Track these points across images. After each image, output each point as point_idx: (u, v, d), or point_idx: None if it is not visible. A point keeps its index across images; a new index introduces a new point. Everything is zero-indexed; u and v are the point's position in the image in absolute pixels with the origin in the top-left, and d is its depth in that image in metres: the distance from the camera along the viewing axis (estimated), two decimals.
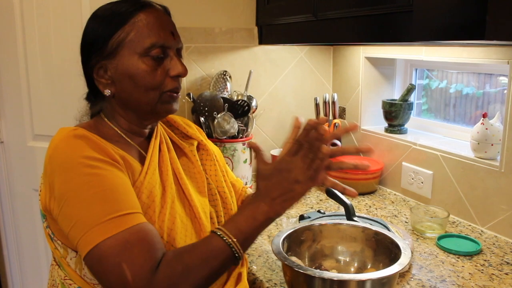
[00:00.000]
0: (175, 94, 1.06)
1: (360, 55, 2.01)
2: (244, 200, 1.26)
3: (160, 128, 1.16)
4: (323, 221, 1.18)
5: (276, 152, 2.02)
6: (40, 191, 0.99)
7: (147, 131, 1.11)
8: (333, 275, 0.95)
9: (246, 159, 1.84)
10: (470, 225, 1.55)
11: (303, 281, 0.98)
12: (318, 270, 0.97)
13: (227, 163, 1.77)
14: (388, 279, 0.96)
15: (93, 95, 1.09)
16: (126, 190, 0.91)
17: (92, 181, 0.88)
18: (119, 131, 1.06)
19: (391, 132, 1.91)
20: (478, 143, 1.52)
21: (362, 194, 1.83)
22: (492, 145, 1.50)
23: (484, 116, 1.53)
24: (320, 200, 1.77)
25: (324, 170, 0.96)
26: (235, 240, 0.90)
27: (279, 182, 0.92)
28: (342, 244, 1.13)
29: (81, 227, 0.85)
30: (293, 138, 0.95)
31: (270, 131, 2.12)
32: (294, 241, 1.12)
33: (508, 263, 1.29)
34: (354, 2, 1.36)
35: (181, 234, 1.01)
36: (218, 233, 0.90)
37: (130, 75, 1.00)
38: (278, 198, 0.92)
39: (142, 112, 1.05)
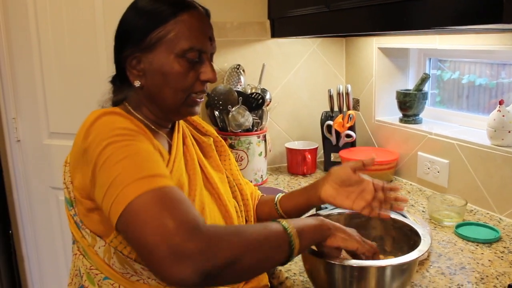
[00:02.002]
0: (200, 99, 1.07)
1: (373, 46, 2.00)
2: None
3: (182, 122, 1.18)
4: (341, 210, 1.18)
5: (290, 145, 2.02)
6: (65, 181, 1.00)
7: (169, 124, 1.13)
8: (353, 261, 0.95)
9: (261, 152, 1.84)
10: (488, 213, 1.54)
11: (323, 269, 0.98)
12: (337, 258, 0.97)
13: (242, 156, 1.79)
14: (408, 265, 0.96)
15: (120, 81, 1.09)
16: (158, 159, 0.90)
17: (128, 146, 0.88)
18: (145, 121, 1.06)
19: (406, 122, 1.90)
20: (495, 130, 1.51)
21: None
22: (509, 132, 1.49)
23: (501, 103, 1.52)
24: None
25: None
26: (295, 232, 0.88)
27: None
28: (361, 232, 1.13)
29: (114, 188, 0.82)
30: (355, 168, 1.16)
31: (284, 124, 2.13)
32: None
33: None
34: None
35: (210, 221, 1.04)
36: (279, 221, 0.90)
37: (163, 73, 1.01)
38: (341, 235, 0.98)
39: (166, 109, 1.06)
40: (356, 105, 2.15)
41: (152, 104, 1.06)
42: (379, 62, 2.00)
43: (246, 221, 1.22)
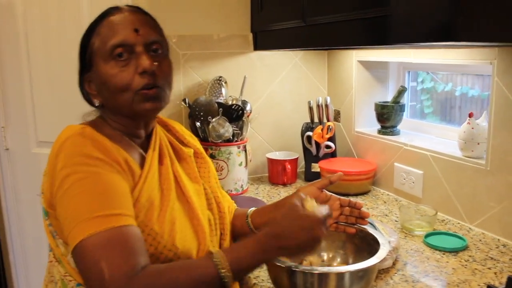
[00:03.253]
0: (149, 92, 1.02)
1: (353, 59, 2.05)
2: (252, 231, 1.25)
3: (160, 131, 1.18)
4: None
5: (271, 155, 2.06)
6: (43, 189, 1.02)
7: (143, 131, 1.12)
8: (313, 268, 1.00)
9: (241, 162, 1.88)
10: (459, 223, 1.58)
11: (285, 276, 1.02)
12: (298, 264, 1.01)
13: (222, 166, 1.83)
14: (365, 272, 1.00)
15: (91, 105, 1.12)
16: (119, 192, 0.93)
17: (87, 178, 0.90)
18: (120, 133, 1.08)
19: (383, 133, 1.94)
20: (465, 142, 1.56)
21: (355, 194, 1.87)
22: (478, 144, 1.53)
23: (470, 115, 1.56)
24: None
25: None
26: (230, 274, 0.88)
27: (297, 236, 0.92)
28: (325, 240, 1.17)
29: (70, 222, 0.87)
30: (322, 186, 1.22)
31: (267, 135, 2.17)
32: None
33: (492, 258, 1.32)
34: (340, 8, 1.40)
35: (181, 234, 1.03)
36: (215, 261, 0.88)
37: (103, 83, 1.02)
38: (288, 248, 0.92)
39: (126, 114, 1.06)
40: (337, 116, 2.20)
41: (116, 115, 1.07)
42: (359, 74, 2.05)
43: (221, 233, 1.21)
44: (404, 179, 1.80)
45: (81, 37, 1.07)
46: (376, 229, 1.32)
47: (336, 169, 1.87)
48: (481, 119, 1.57)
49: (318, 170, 1.96)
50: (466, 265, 1.29)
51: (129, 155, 1.02)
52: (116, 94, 1.01)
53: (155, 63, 1.02)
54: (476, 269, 1.26)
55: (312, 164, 2.03)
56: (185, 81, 2.00)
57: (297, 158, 2.04)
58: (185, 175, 1.17)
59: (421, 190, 1.74)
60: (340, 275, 0.99)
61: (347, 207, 1.23)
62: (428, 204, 1.66)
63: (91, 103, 1.10)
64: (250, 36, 2.08)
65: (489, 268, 1.26)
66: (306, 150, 2.06)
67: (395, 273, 1.25)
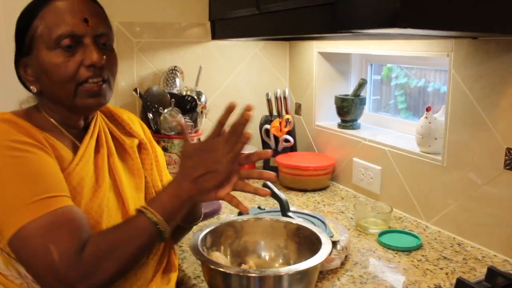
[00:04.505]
0: (94, 87, 1.00)
1: (314, 50, 1.98)
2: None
3: (100, 120, 1.13)
4: (246, 216, 1.15)
5: None
6: None
7: (82, 122, 1.08)
8: (248, 271, 0.93)
9: None
10: (415, 221, 1.53)
11: (220, 279, 0.95)
12: (233, 266, 0.94)
13: (175, 159, 1.75)
14: (304, 274, 0.93)
15: (28, 90, 1.06)
16: (53, 173, 0.91)
17: (18, 163, 0.88)
18: (54, 122, 1.04)
19: (343, 127, 1.88)
20: (422, 137, 1.51)
21: (313, 190, 1.81)
22: (435, 139, 1.48)
23: (428, 109, 1.51)
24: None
25: (237, 165, 1.01)
26: (160, 218, 0.92)
27: (202, 162, 0.95)
28: (265, 239, 1.11)
29: (5, 209, 0.85)
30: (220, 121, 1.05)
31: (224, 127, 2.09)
32: (218, 237, 1.09)
33: (445, 258, 1.28)
34: None
35: (107, 226, 0.99)
36: (143, 211, 0.92)
37: (45, 71, 0.98)
38: (200, 177, 0.94)
39: (65, 106, 1.02)
40: (298, 109, 2.13)
41: (55, 105, 1.03)
42: (319, 66, 1.98)
43: None
44: (363, 174, 1.75)
45: (19, 16, 1.01)
46: (326, 227, 1.26)
47: (294, 164, 1.81)
48: (439, 113, 1.52)
49: (276, 164, 1.90)
50: (418, 265, 1.24)
51: (58, 142, 1.00)
52: (58, 84, 0.98)
53: (104, 57, 0.99)
54: (427, 269, 1.21)
55: (271, 158, 1.96)
56: (138, 71, 1.91)
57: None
58: (125, 168, 1.13)
59: (379, 186, 1.69)
60: (277, 278, 0.92)
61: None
62: (386, 200, 1.61)
63: (27, 88, 1.05)
64: (208, 24, 2.00)
65: (441, 269, 1.21)
66: (264, 144, 1.99)
67: (343, 273, 1.19)
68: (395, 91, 1.96)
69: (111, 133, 1.14)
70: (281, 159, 1.87)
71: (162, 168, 1.23)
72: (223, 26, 1.94)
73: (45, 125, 1.01)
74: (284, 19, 1.43)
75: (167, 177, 1.24)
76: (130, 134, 1.19)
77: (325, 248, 0.99)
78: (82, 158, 1.02)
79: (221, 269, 0.93)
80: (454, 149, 1.40)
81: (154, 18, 1.91)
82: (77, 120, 1.06)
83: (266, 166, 1.98)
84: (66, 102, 1.00)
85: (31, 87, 1.03)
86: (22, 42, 0.99)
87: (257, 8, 1.54)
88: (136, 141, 1.18)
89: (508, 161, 1.25)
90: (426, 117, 1.50)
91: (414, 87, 1.87)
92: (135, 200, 1.09)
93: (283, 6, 1.40)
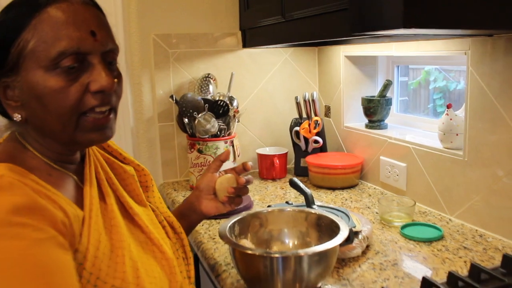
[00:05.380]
0: (103, 117, 0.82)
1: (340, 54, 2.06)
2: None
3: (95, 151, 0.96)
4: (270, 208, 1.24)
5: (260, 150, 2.08)
6: None
7: (78, 156, 0.90)
8: (272, 252, 1.02)
9: None
10: (439, 215, 1.58)
11: (247, 261, 1.05)
12: (258, 249, 1.03)
13: (209, 160, 1.86)
14: (322, 256, 1.01)
15: (5, 117, 0.85)
16: (62, 270, 0.69)
17: (17, 257, 0.64)
18: (47, 161, 0.83)
19: (371, 128, 1.95)
20: (444, 134, 1.56)
21: (342, 188, 1.88)
22: (457, 135, 1.53)
23: (449, 107, 1.56)
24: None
25: None
26: None
27: None
28: (288, 228, 1.20)
29: None
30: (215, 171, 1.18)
31: (257, 131, 2.19)
32: (245, 226, 1.18)
33: (465, 247, 1.33)
34: (312, 2, 1.42)
35: (149, 279, 0.84)
36: None
37: (36, 96, 0.77)
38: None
39: (60, 142, 0.83)
40: (327, 112, 2.21)
41: (45, 138, 0.83)
42: (346, 69, 2.06)
43: (183, 257, 1.04)
44: (389, 172, 1.81)
45: None
46: (349, 219, 1.34)
47: (323, 163, 1.89)
48: (460, 110, 1.57)
49: (306, 165, 1.98)
50: (437, 254, 1.29)
51: (62, 194, 0.78)
52: (54, 114, 0.78)
53: (115, 80, 0.82)
54: (447, 258, 1.27)
55: (302, 159, 2.04)
56: (174, 79, 2.03)
57: (286, 153, 2.06)
58: (132, 197, 0.97)
59: (405, 182, 1.74)
60: (297, 258, 1.00)
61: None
62: (412, 196, 1.66)
63: (4, 114, 0.84)
64: (239, 34, 2.11)
65: (460, 257, 1.27)
66: (295, 146, 2.08)
67: (364, 261, 1.26)
68: (434, 94, 2.00)
69: (107, 163, 0.98)
70: (311, 159, 1.95)
71: (159, 194, 1.11)
72: (253, 35, 2.04)
73: (39, 167, 0.81)
74: (306, 25, 1.51)
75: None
76: (121, 161, 1.02)
77: (343, 233, 1.06)
78: (92, 211, 0.82)
79: (247, 252, 1.03)
80: (474, 144, 1.45)
81: (189, 29, 2.03)
82: (71, 154, 0.88)
83: (297, 166, 2.06)
84: (62, 136, 0.81)
85: (14, 114, 0.80)
86: (4, 57, 0.77)
87: (283, 16, 1.64)
88: (132, 169, 1.01)
89: None
90: (447, 114, 1.56)
91: (453, 90, 1.91)
92: (159, 234, 0.96)
93: (305, 13, 1.49)
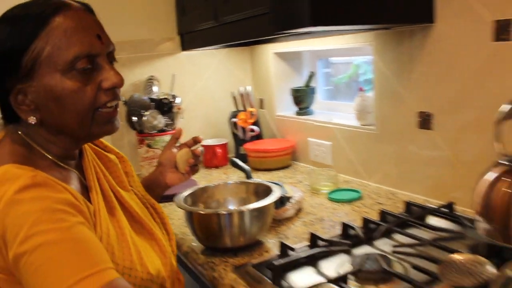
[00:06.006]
0: (112, 110, 0.92)
1: (269, 52, 2.32)
2: None
3: (87, 148, 1.05)
4: (216, 183, 1.48)
5: (203, 142, 2.30)
6: None
7: (77, 152, 1.00)
8: (219, 210, 1.26)
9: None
10: (360, 181, 1.87)
11: (199, 220, 1.27)
12: (208, 209, 1.26)
13: (158, 154, 2.06)
14: (260, 211, 1.26)
15: (11, 121, 0.92)
16: (96, 244, 0.80)
17: (60, 237, 0.76)
18: (54, 160, 0.92)
19: (299, 114, 2.22)
20: (359, 112, 1.85)
21: (277, 169, 2.14)
22: (369, 113, 1.82)
23: (361, 90, 1.85)
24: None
25: None
26: None
27: None
28: (232, 197, 1.44)
29: (57, 284, 0.72)
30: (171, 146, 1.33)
31: (199, 125, 2.42)
32: (196, 198, 1.41)
33: (379, 203, 1.61)
34: (239, 7, 1.67)
35: (148, 259, 0.97)
36: None
37: (55, 98, 0.85)
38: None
39: (76, 137, 0.93)
40: (261, 104, 2.47)
41: (58, 136, 0.92)
42: (275, 65, 2.32)
43: (167, 235, 1.15)
44: (317, 151, 2.09)
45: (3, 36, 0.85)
46: (282, 189, 1.59)
47: (259, 148, 2.14)
48: (370, 92, 1.86)
49: (245, 152, 2.22)
50: (357, 210, 1.57)
51: (74, 190, 0.87)
52: (73, 112, 0.87)
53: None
54: (364, 211, 1.54)
55: (240, 147, 2.29)
56: None
57: (226, 143, 2.30)
58: (118, 187, 1.06)
59: (331, 158, 2.02)
60: (241, 214, 1.23)
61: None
62: (337, 169, 1.94)
63: (12, 116, 0.90)
64: (177, 38, 2.33)
65: (374, 210, 1.54)
66: (234, 136, 2.32)
67: (297, 220, 1.51)
68: (365, 86, 2.28)
69: (95, 153, 1.08)
70: (249, 146, 2.20)
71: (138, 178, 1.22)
72: (190, 39, 2.27)
73: (50, 168, 0.90)
74: (237, 28, 1.76)
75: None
76: (103, 149, 1.13)
77: (276, 194, 1.31)
78: (99, 203, 0.93)
79: (201, 212, 1.26)
80: (382, 119, 1.74)
81: (131, 37, 2.23)
82: (76, 149, 0.98)
83: (237, 154, 2.30)
84: (80, 132, 0.91)
85: (29, 118, 0.87)
86: (17, 64, 0.84)
87: (216, 21, 1.88)
88: (114, 157, 1.12)
89: (420, 121, 1.59)
90: (360, 96, 1.84)
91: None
92: (147, 217, 1.08)
93: (235, 17, 1.73)
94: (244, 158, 2.24)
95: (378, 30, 1.69)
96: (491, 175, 1.13)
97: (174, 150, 1.32)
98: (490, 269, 0.94)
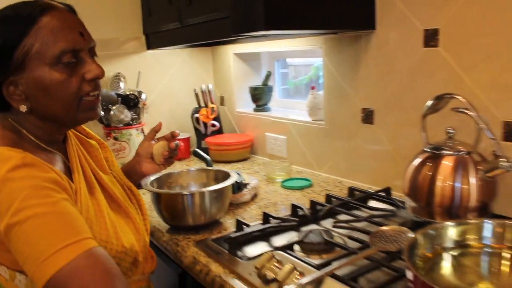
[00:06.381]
0: (95, 98, 1.04)
1: (230, 52, 2.49)
2: None
3: (71, 134, 1.16)
4: (179, 169, 1.64)
5: None
6: None
7: (62, 137, 1.11)
8: (183, 191, 1.41)
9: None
10: (312, 172, 2.05)
11: (165, 200, 1.42)
12: (172, 190, 1.41)
13: (124, 146, 2.20)
14: (219, 193, 1.42)
15: (2, 109, 1.02)
16: (77, 218, 0.91)
17: (45, 211, 0.87)
18: (41, 144, 1.03)
19: (257, 111, 2.39)
20: (310, 109, 2.03)
21: (237, 161, 2.31)
22: (319, 109, 2.00)
23: (313, 88, 2.04)
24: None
25: None
26: None
27: None
28: (194, 182, 1.59)
29: (39, 255, 0.84)
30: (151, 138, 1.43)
31: (163, 120, 2.51)
32: (161, 182, 1.56)
33: (327, 189, 1.79)
34: (201, 11, 1.83)
35: (123, 234, 1.08)
36: None
37: (43, 88, 0.96)
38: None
39: (62, 123, 1.04)
40: (222, 101, 2.63)
41: (46, 122, 1.03)
42: (235, 65, 2.49)
43: (142, 215, 1.26)
44: (273, 144, 2.26)
45: None
46: (240, 176, 1.75)
47: (220, 142, 2.30)
48: (321, 90, 2.04)
49: (207, 145, 2.38)
50: (306, 195, 1.75)
51: (59, 170, 0.99)
52: (60, 100, 0.98)
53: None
54: (313, 196, 1.72)
55: (202, 141, 2.44)
56: None
57: (189, 138, 2.45)
58: (99, 170, 1.17)
59: (286, 151, 2.20)
60: (201, 194, 1.39)
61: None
62: (291, 161, 2.11)
63: (3, 104, 1.01)
64: (143, 38, 2.46)
65: (322, 196, 1.72)
66: (197, 130, 2.47)
67: (253, 204, 1.68)
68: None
69: (78, 139, 1.18)
70: (210, 139, 2.35)
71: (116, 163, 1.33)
72: (155, 39, 2.41)
73: (37, 150, 1.00)
74: (199, 29, 1.91)
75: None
76: (85, 135, 1.24)
77: (233, 178, 1.47)
78: (81, 184, 1.04)
79: (166, 192, 1.41)
80: (331, 115, 1.93)
81: (98, 35, 2.34)
82: (61, 134, 1.09)
83: (199, 147, 2.45)
84: (66, 119, 1.02)
85: (20, 106, 0.98)
86: (9, 59, 0.95)
87: (180, 23, 2.03)
88: (96, 143, 1.23)
89: (363, 117, 1.78)
90: (312, 94, 2.03)
91: None
92: (123, 197, 1.19)
93: (198, 20, 1.89)
94: (205, 152, 2.39)
95: (328, 34, 1.87)
96: (417, 161, 1.33)
97: (152, 142, 1.43)
98: (411, 236, 1.13)
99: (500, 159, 1.21)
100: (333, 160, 1.96)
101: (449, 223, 1.04)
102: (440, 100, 1.33)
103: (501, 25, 1.31)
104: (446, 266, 0.99)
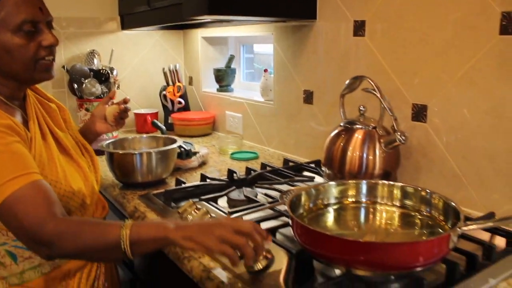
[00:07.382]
0: (50, 62, 1.20)
1: (198, 36, 2.69)
2: None
3: (30, 93, 1.30)
4: (133, 135, 1.84)
5: (137, 111, 2.66)
6: None
7: (22, 94, 1.25)
8: (132, 151, 1.62)
9: None
10: (262, 148, 2.27)
11: (118, 160, 1.63)
12: (124, 151, 1.63)
13: None
14: (164, 153, 1.63)
15: None
16: (25, 155, 1.07)
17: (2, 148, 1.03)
18: (3, 99, 1.18)
19: (220, 91, 2.60)
20: (263, 90, 2.24)
21: (199, 136, 2.52)
22: (270, 90, 2.21)
23: (265, 71, 2.24)
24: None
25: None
26: (127, 241, 0.97)
27: (203, 227, 0.97)
28: (145, 147, 1.81)
29: None
30: (105, 103, 1.59)
31: (134, 95, 2.77)
32: (116, 146, 1.77)
33: (270, 162, 2.00)
34: None
35: (72, 177, 1.22)
36: (123, 225, 0.99)
37: (7, 51, 1.13)
38: (188, 233, 0.96)
39: (21, 80, 1.20)
40: (190, 81, 2.83)
41: (7, 80, 1.18)
42: (203, 48, 2.70)
43: (93, 168, 1.40)
44: (232, 122, 2.47)
45: None
46: (190, 145, 1.96)
47: (184, 117, 2.51)
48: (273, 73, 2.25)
49: (173, 121, 2.58)
50: (250, 165, 1.95)
51: (15, 118, 1.14)
52: (20, 62, 1.14)
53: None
54: (255, 166, 1.93)
55: (169, 117, 2.65)
56: (66, 53, 2.55)
57: (156, 113, 2.65)
58: (55, 126, 1.32)
59: (241, 128, 2.41)
60: (149, 155, 1.61)
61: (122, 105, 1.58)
62: (246, 137, 2.33)
63: None
64: (118, 18, 2.66)
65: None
66: (164, 107, 2.68)
67: (199, 170, 1.89)
68: None
69: (38, 101, 1.33)
70: (176, 115, 2.56)
71: (75, 126, 1.48)
72: (128, 20, 2.61)
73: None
74: (163, 13, 2.11)
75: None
76: (47, 100, 1.39)
77: (177, 144, 1.69)
78: (36, 133, 1.19)
79: (118, 152, 1.62)
80: (279, 96, 2.14)
81: (77, 14, 2.55)
82: (21, 91, 1.24)
83: (166, 123, 2.66)
84: (25, 77, 1.18)
85: None
86: None
87: (148, 6, 2.22)
88: (54, 105, 1.38)
89: (305, 97, 1.99)
90: (264, 76, 2.24)
91: None
92: (76, 151, 1.35)
93: (163, 4, 2.09)
94: (171, 126, 2.61)
95: (277, 22, 2.08)
96: (333, 134, 1.55)
97: (106, 106, 1.62)
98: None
99: (396, 134, 1.42)
100: (280, 136, 2.17)
101: (331, 182, 1.26)
102: (355, 80, 1.54)
103: (416, 21, 1.52)
104: (327, 216, 1.21)
